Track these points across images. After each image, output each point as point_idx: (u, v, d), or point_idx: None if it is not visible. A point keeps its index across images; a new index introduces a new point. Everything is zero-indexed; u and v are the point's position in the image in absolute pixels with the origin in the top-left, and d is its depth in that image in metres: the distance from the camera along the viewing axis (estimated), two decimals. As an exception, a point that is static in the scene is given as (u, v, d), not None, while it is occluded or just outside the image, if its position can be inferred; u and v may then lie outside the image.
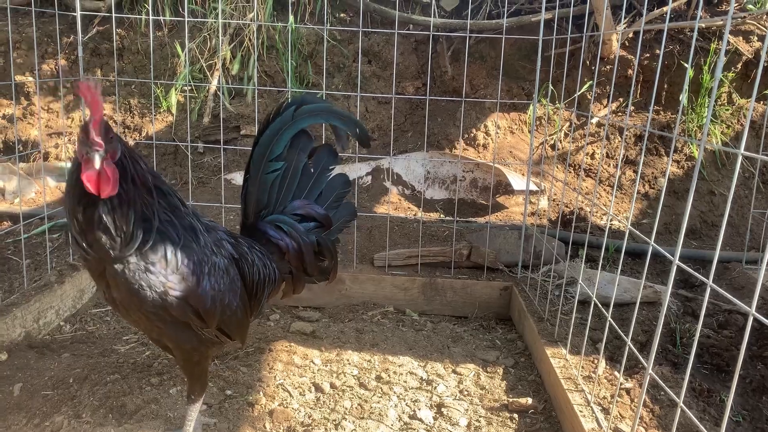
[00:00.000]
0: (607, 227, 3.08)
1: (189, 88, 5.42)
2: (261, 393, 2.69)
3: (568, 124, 5.32)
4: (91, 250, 1.82)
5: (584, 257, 2.93)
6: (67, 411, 2.48)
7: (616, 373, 2.77)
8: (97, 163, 1.71)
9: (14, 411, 2.49)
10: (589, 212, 4.70)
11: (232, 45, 5.47)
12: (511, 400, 2.73)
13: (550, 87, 5.04)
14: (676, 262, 1.85)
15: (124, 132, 5.47)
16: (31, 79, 5.55)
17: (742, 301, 1.65)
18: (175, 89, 5.44)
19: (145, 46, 5.66)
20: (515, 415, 2.65)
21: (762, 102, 5.11)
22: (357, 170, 5.19)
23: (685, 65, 4.87)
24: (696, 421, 1.73)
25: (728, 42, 4.98)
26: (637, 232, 2.38)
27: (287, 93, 5.31)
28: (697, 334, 1.76)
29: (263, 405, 2.61)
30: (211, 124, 5.42)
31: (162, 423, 2.42)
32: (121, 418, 2.45)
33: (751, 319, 1.53)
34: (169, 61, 5.64)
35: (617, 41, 4.89)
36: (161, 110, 5.51)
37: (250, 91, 5.44)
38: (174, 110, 5.48)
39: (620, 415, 2.45)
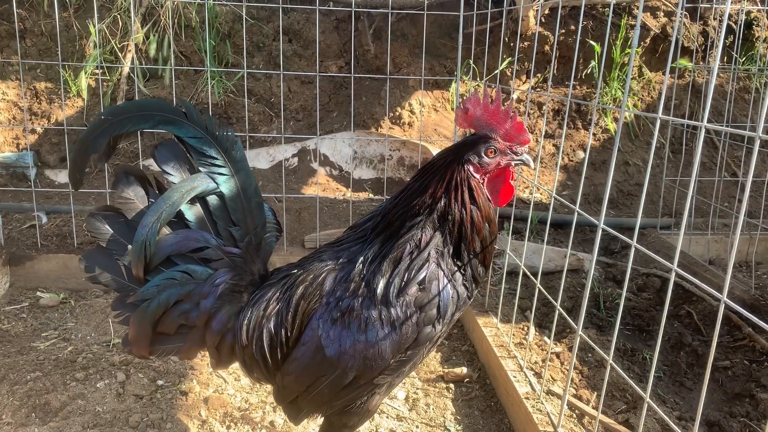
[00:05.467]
0: (532, 200, 3.17)
1: (100, 70, 5.15)
2: (194, 381, 2.62)
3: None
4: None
5: (511, 229, 3.00)
6: (-15, 414, 2.34)
7: (545, 338, 2.86)
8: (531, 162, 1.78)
9: (-76, 418, 2.32)
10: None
11: (145, 28, 5.23)
12: (446, 370, 2.78)
13: (472, 64, 5.11)
14: (602, 225, 1.91)
15: (31, 119, 5.15)
16: None
17: (661, 263, 1.73)
18: (85, 72, 5.16)
19: (49, 27, 5.32)
20: (451, 385, 2.70)
21: (670, 75, 5.36)
22: (282, 152, 5.10)
23: (591, 42, 5.05)
24: (626, 377, 1.82)
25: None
26: (564, 201, 2.45)
27: (206, 73, 5.15)
28: (624, 295, 1.83)
29: (197, 393, 2.54)
30: (126, 109, 5.18)
31: (91, 418, 2.32)
32: (46, 417, 2.33)
33: (673, 275, 1.60)
34: (77, 43, 5.33)
35: (534, 17, 5.00)
36: (71, 95, 5.22)
37: (168, 72, 5.23)
38: (85, 94, 5.20)
39: (552, 377, 2.54)
